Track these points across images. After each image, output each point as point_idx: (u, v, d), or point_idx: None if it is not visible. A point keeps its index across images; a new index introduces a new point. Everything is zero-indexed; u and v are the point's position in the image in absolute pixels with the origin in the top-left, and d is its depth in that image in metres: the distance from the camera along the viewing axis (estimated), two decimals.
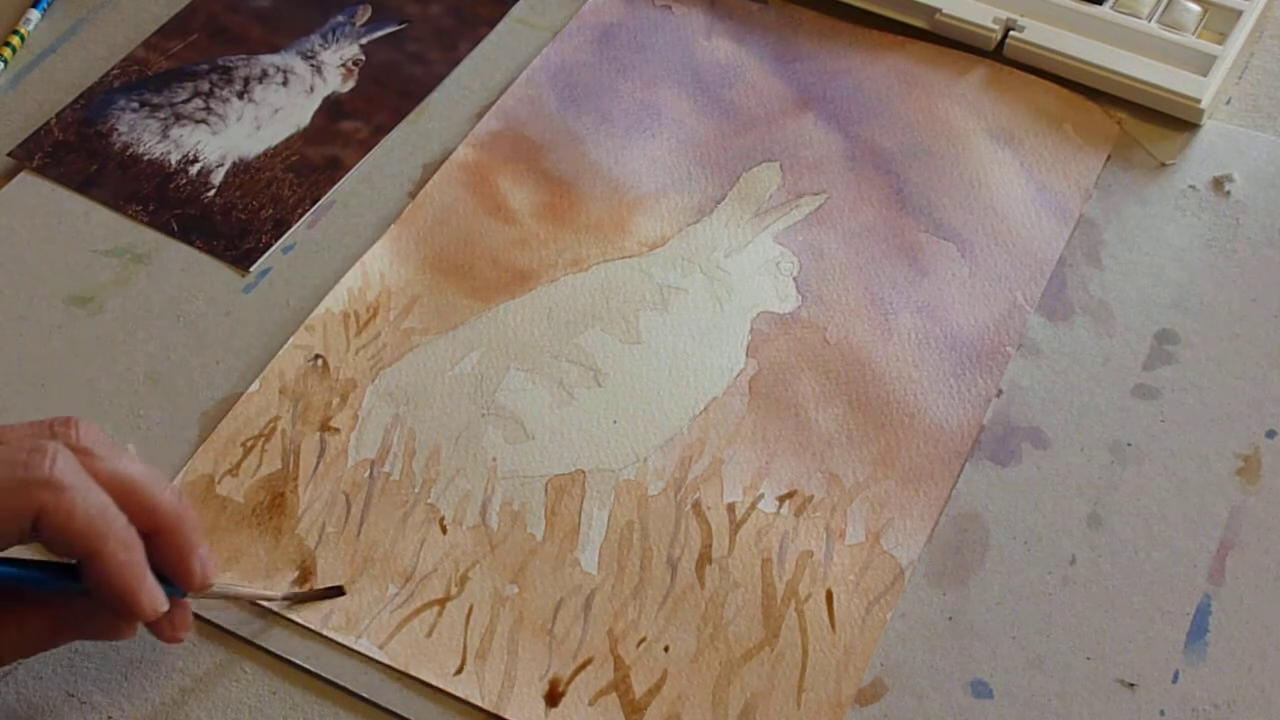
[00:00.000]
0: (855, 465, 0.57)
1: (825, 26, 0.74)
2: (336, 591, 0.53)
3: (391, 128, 0.70)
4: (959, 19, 0.71)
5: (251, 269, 0.64)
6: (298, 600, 0.53)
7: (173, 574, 0.48)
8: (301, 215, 0.66)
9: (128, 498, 0.47)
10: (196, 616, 0.53)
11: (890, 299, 0.62)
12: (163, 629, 0.49)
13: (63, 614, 0.48)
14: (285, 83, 0.72)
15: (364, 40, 0.74)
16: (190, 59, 0.73)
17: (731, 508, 0.56)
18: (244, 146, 0.69)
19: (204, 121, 0.70)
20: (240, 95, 0.71)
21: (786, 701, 0.51)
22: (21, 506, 0.44)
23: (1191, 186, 0.66)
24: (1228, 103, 0.70)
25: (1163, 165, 0.67)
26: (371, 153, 0.69)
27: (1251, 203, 0.66)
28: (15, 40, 0.73)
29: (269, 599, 0.53)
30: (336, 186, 0.67)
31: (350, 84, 0.72)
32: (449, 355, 0.61)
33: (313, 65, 0.73)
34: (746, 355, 0.61)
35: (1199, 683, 0.51)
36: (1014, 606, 0.53)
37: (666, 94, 0.71)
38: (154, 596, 0.47)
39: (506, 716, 0.51)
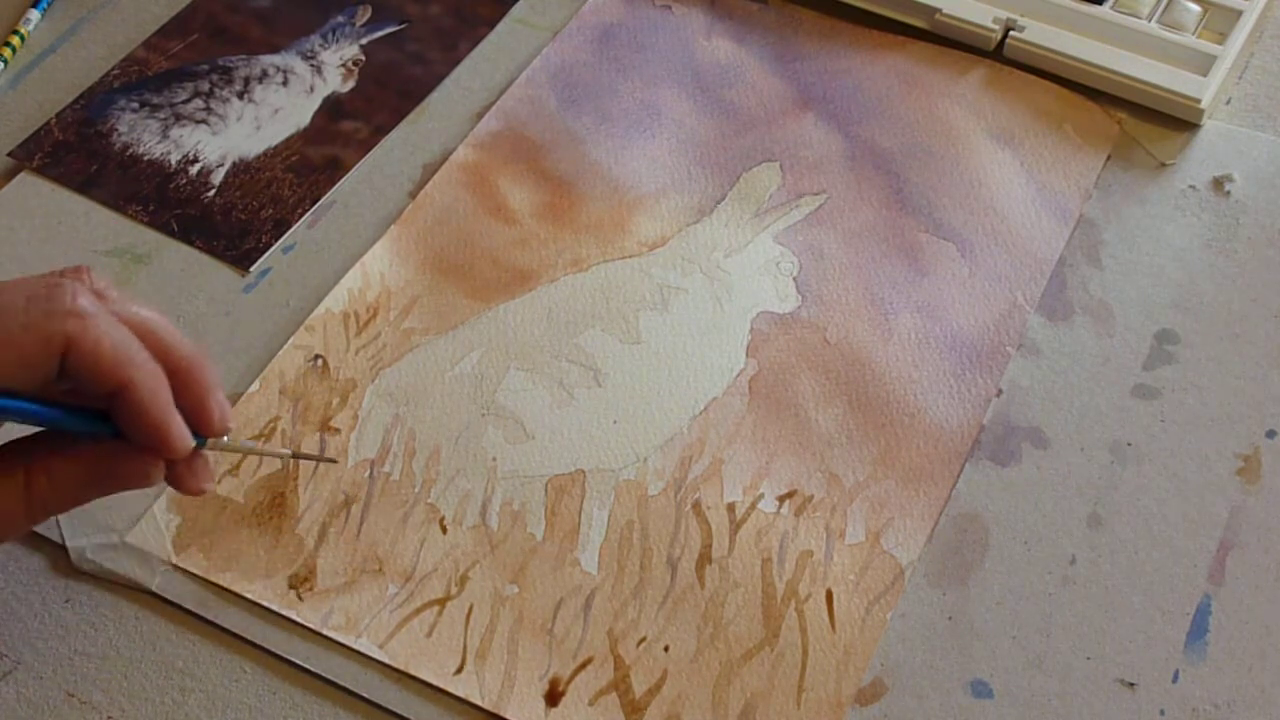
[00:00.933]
0: (855, 465, 0.57)
1: (825, 26, 0.74)
2: (331, 460, 0.57)
3: (391, 128, 0.70)
4: (959, 19, 0.71)
5: (251, 269, 0.64)
6: (301, 458, 0.56)
7: (192, 417, 0.48)
8: (301, 215, 0.66)
9: (146, 338, 0.46)
10: (197, 617, 0.53)
11: (890, 299, 0.62)
12: (185, 478, 0.49)
13: (91, 462, 0.47)
14: (285, 83, 0.72)
15: (364, 40, 0.74)
16: (190, 59, 0.73)
17: (731, 508, 0.56)
18: (244, 146, 0.69)
19: (204, 121, 0.70)
20: (240, 95, 0.71)
21: (786, 701, 0.51)
22: (51, 336, 0.44)
23: (1191, 186, 0.66)
24: (1228, 103, 0.70)
25: (1163, 165, 0.67)
26: (371, 153, 0.69)
27: (1251, 203, 0.66)
28: (15, 40, 0.73)
29: (276, 454, 0.55)
30: (336, 186, 0.67)
31: (350, 84, 0.72)
32: (449, 355, 0.61)
33: (313, 65, 0.73)
34: (746, 355, 0.61)
35: (1199, 683, 0.51)
36: (1014, 606, 0.53)
37: (666, 94, 0.71)
38: (183, 430, 0.47)
39: (506, 716, 0.51)
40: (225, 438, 0.49)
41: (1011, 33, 0.71)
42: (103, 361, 0.45)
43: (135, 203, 0.66)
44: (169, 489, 0.56)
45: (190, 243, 0.65)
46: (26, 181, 0.67)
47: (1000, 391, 0.59)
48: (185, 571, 0.54)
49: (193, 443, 0.47)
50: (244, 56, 0.73)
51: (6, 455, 0.47)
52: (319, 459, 0.57)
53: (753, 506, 0.56)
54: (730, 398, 0.59)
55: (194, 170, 0.68)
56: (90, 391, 0.46)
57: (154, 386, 0.46)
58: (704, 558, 0.55)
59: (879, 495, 0.56)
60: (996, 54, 0.72)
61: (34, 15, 0.74)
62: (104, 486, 0.48)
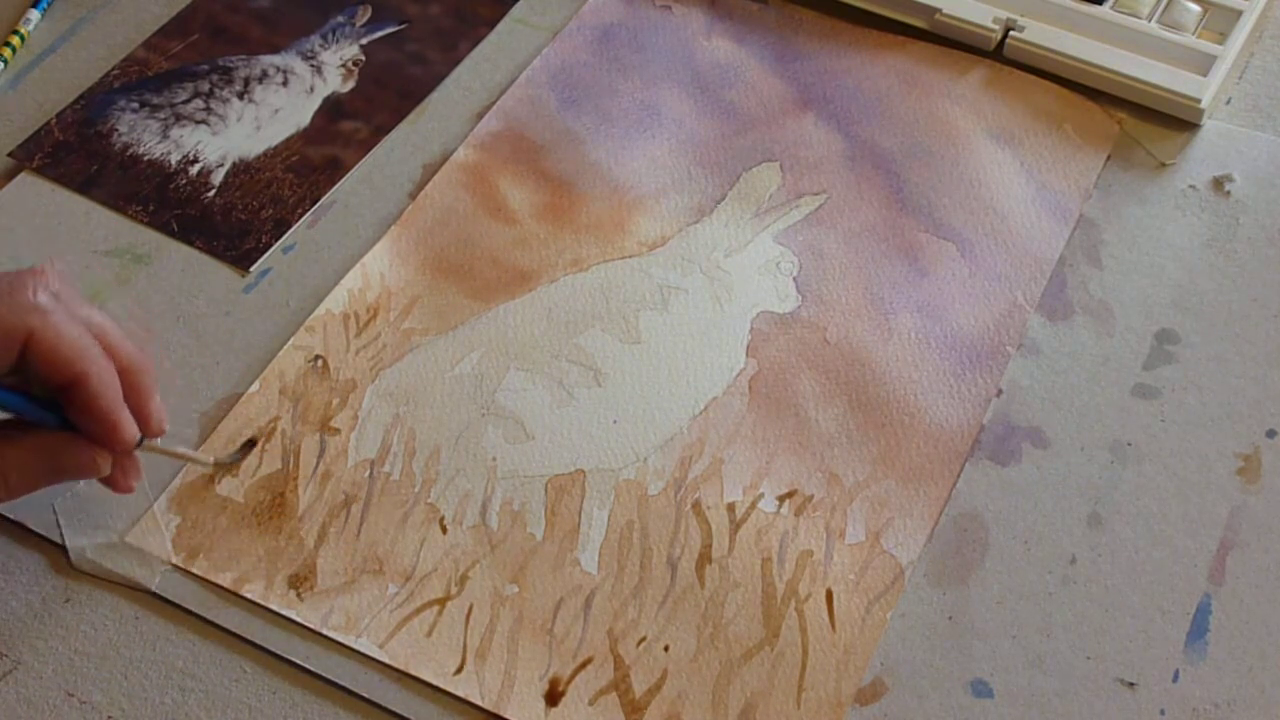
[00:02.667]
0: (855, 465, 0.57)
1: (825, 26, 0.74)
2: (250, 445, 0.58)
3: (391, 128, 0.70)
4: (959, 19, 0.71)
5: (251, 269, 0.64)
6: (224, 465, 0.57)
7: (133, 417, 0.51)
8: (301, 215, 0.66)
9: (98, 339, 0.50)
10: (197, 617, 0.53)
11: (890, 299, 0.62)
12: (117, 477, 0.52)
13: (41, 452, 0.50)
14: (285, 83, 0.72)
15: (364, 40, 0.74)
16: (190, 59, 0.73)
17: (731, 507, 0.56)
18: (244, 147, 0.69)
19: (204, 122, 0.70)
20: (240, 95, 0.71)
21: (786, 701, 0.51)
22: (13, 329, 0.47)
23: (1191, 186, 0.66)
24: (1228, 103, 0.70)
25: (1163, 165, 0.67)
26: (371, 153, 0.69)
27: (1251, 203, 0.66)
28: (15, 40, 0.73)
29: (200, 462, 0.56)
30: (336, 186, 0.67)
31: (350, 84, 0.72)
32: (449, 355, 0.61)
33: (313, 65, 0.73)
34: (746, 355, 0.61)
35: (1199, 682, 0.51)
36: (1014, 606, 0.53)
37: (666, 94, 0.71)
38: (132, 424, 0.50)
39: (506, 716, 0.51)
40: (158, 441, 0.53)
41: (1011, 33, 0.71)
42: (60, 354, 0.48)
43: (135, 203, 0.66)
44: (168, 489, 0.56)
45: (190, 243, 0.65)
46: (26, 181, 0.67)
47: (1000, 391, 0.59)
48: (185, 571, 0.54)
49: (138, 435, 0.51)
50: (244, 57, 0.73)
51: None
52: (240, 459, 0.57)
53: (753, 506, 0.56)
54: (730, 397, 0.59)
55: (194, 170, 0.68)
56: (43, 383, 0.49)
57: (107, 380, 0.49)
58: (704, 557, 0.55)
59: (879, 495, 0.56)
60: (996, 54, 0.72)
61: (34, 15, 0.74)
62: (55, 475, 0.51)
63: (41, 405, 0.50)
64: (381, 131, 0.70)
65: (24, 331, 0.47)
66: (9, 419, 0.50)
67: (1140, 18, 0.71)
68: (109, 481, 0.52)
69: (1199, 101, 0.68)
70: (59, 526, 0.55)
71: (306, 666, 0.52)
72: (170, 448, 0.55)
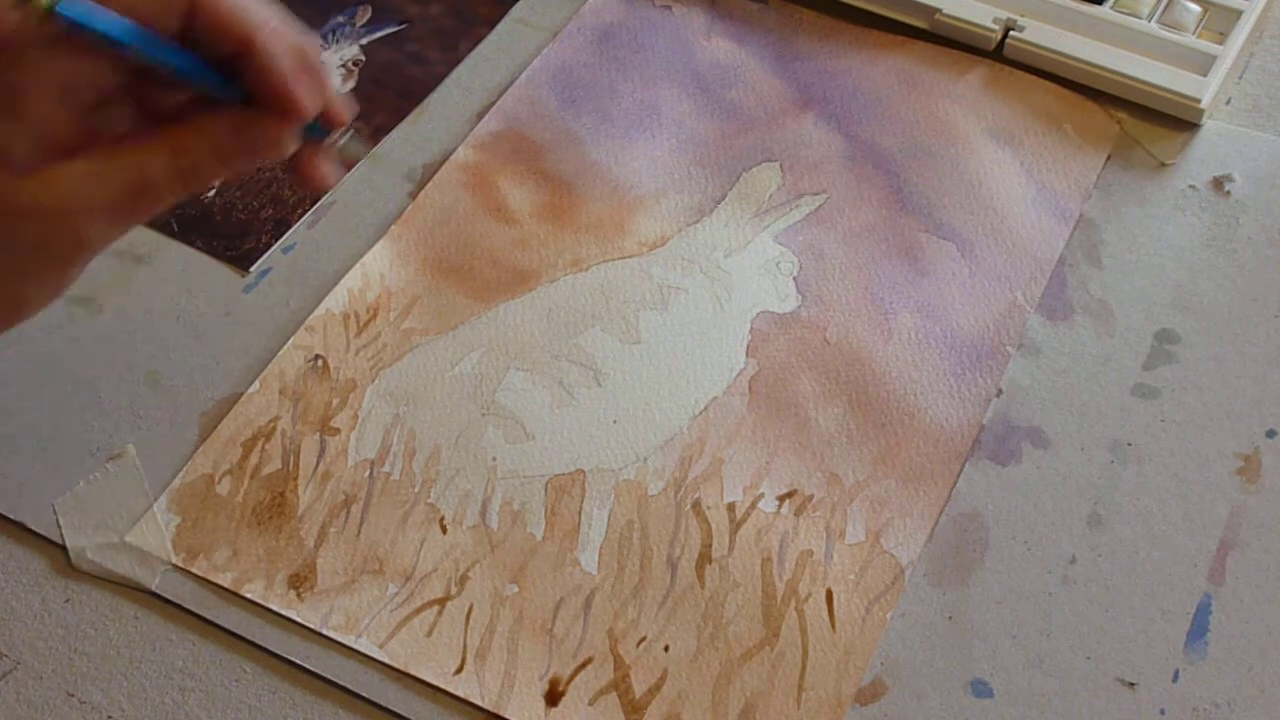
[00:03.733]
0: (855, 465, 0.57)
1: (825, 26, 0.74)
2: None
3: (391, 128, 0.70)
4: (959, 19, 0.71)
5: (251, 269, 0.64)
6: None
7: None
8: (301, 215, 0.66)
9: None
10: (197, 617, 0.53)
11: (890, 299, 0.62)
12: (306, 161, 0.48)
13: (222, 132, 0.46)
14: None
15: (364, 40, 0.74)
16: None
17: (731, 507, 0.56)
18: None
19: None
20: None
21: (786, 701, 0.51)
22: None
23: (1191, 186, 0.66)
24: (1228, 103, 0.70)
25: (1163, 165, 0.67)
26: (372, 153, 0.69)
27: (1251, 203, 0.66)
28: None
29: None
30: (337, 186, 0.67)
31: (350, 84, 0.72)
32: (449, 355, 0.61)
33: None
34: (746, 355, 0.61)
35: (1199, 682, 0.51)
36: (1014, 606, 0.53)
37: (666, 94, 0.71)
38: (311, 92, 0.46)
39: (506, 716, 0.51)
40: (342, 140, 0.48)
41: (1011, 33, 0.71)
42: (229, 14, 0.44)
43: None
44: (168, 488, 0.56)
45: (190, 243, 0.65)
46: None
47: (1000, 391, 0.59)
48: (185, 571, 0.54)
49: (320, 104, 0.47)
50: None
51: (140, 132, 0.46)
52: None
53: (753, 506, 0.56)
54: (730, 397, 0.59)
55: None
56: (213, 51, 0.45)
57: (282, 45, 0.45)
58: (704, 557, 0.55)
59: (879, 495, 0.56)
60: (996, 54, 0.72)
61: None
62: (239, 155, 0.47)
63: (217, 74, 0.46)
64: (381, 131, 0.70)
65: None
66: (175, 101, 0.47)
67: (1140, 18, 0.71)
68: (302, 173, 0.48)
69: (1199, 101, 0.68)
70: (59, 526, 0.55)
71: (306, 666, 0.52)
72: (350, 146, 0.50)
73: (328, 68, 0.48)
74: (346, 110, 0.48)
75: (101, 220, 0.46)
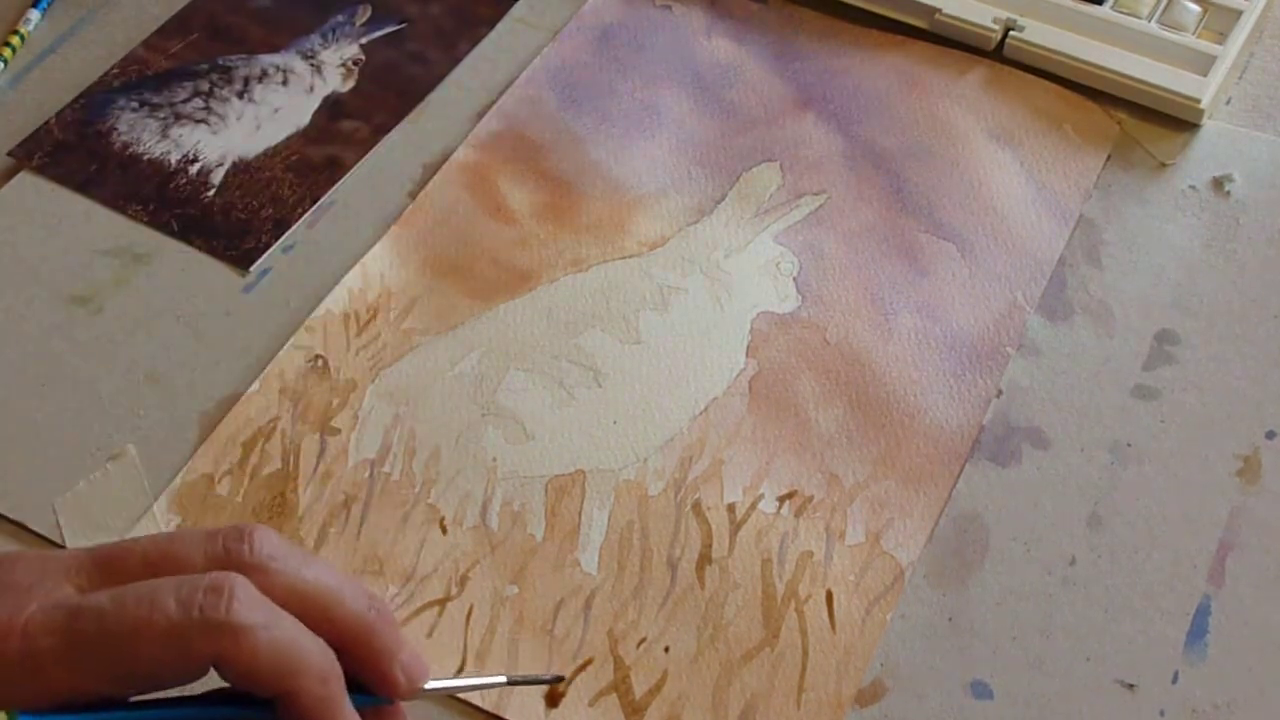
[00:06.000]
0: (855, 465, 0.57)
1: (825, 26, 0.74)
2: (558, 679, 0.51)
3: (391, 128, 0.70)
4: (959, 19, 0.71)
5: (251, 269, 0.64)
6: (518, 683, 0.51)
7: (375, 685, 0.42)
8: (301, 215, 0.66)
9: (313, 612, 0.41)
10: None
11: (890, 299, 0.62)
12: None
13: None
14: (285, 82, 0.72)
15: (364, 40, 0.74)
16: (190, 59, 0.73)
17: (731, 508, 0.56)
18: (244, 146, 0.69)
19: (204, 121, 0.70)
20: (240, 95, 0.71)
21: (786, 702, 0.51)
22: (197, 651, 0.39)
23: (1191, 186, 0.66)
24: (1228, 103, 0.70)
25: (1163, 165, 0.67)
26: (371, 153, 0.69)
27: (1251, 203, 0.66)
28: (15, 40, 0.73)
29: (491, 686, 0.50)
30: (336, 186, 0.67)
31: (350, 84, 0.72)
32: (449, 355, 0.61)
33: (313, 65, 0.73)
34: (746, 355, 0.61)
35: (1199, 683, 0.51)
36: (1014, 607, 0.53)
37: (666, 94, 0.71)
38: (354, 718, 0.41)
39: (506, 717, 0.51)
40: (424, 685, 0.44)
41: (1011, 33, 0.71)
42: (259, 674, 0.39)
43: (135, 202, 0.66)
44: (168, 488, 0.56)
45: (190, 242, 0.65)
46: (26, 181, 0.67)
47: (1000, 391, 0.59)
48: None
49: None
50: (244, 56, 0.73)
51: None
52: (537, 681, 0.51)
53: (753, 507, 0.56)
54: (730, 398, 0.59)
55: (194, 170, 0.68)
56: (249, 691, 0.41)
57: (320, 693, 0.40)
58: (704, 558, 0.55)
59: (879, 495, 0.56)
60: (996, 54, 0.72)
61: (34, 15, 0.74)
62: None
63: (244, 705, 0.41)
64: (381, 131, 0.70)
65: (210, 655, 0.39)
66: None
67: (1140, 18, 0.71)
68: None
69: (1199, 101, 0.68)
70: (59, 526, 0.55)
71: None
72: (446, 685, 0.46)
73: (394, 637, 0.43)
74: (417, 677, 0.43)
75: None
